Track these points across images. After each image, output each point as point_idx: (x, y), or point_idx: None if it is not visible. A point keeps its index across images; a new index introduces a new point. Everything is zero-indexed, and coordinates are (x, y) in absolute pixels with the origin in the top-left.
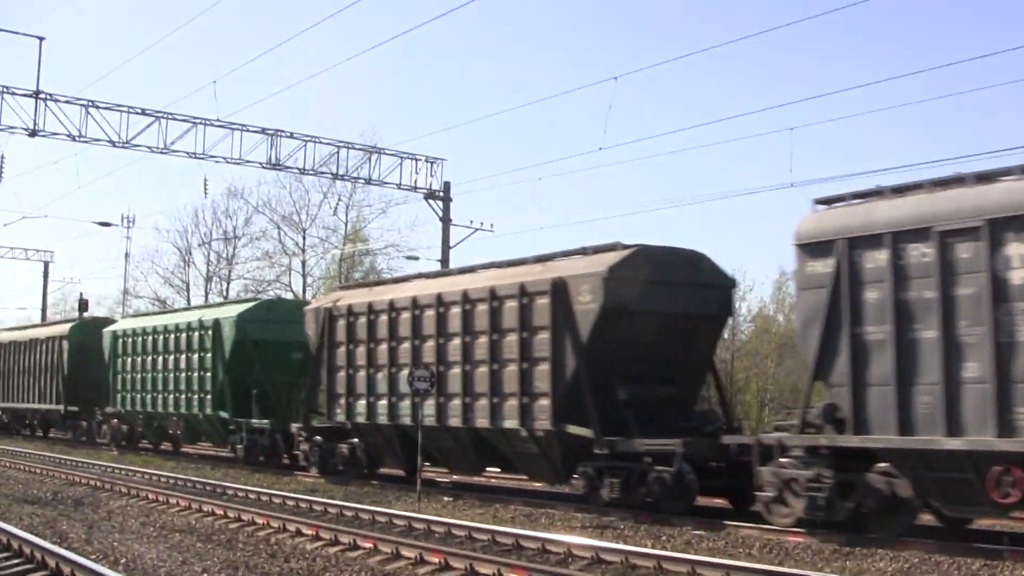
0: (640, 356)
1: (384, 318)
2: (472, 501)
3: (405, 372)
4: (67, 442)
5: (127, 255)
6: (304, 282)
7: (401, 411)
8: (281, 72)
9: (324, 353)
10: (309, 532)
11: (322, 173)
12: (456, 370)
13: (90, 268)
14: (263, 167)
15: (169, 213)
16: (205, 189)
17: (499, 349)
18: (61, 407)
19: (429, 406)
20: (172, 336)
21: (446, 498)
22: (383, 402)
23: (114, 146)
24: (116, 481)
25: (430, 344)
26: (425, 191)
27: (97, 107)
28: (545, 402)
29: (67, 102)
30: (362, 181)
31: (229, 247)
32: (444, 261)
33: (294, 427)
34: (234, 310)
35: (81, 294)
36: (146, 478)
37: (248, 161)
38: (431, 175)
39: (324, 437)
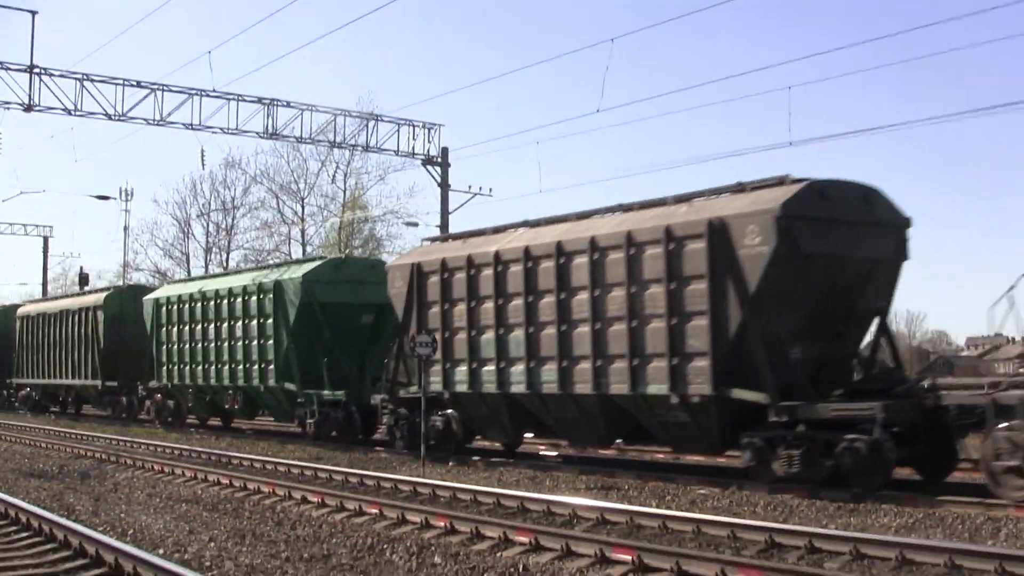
0: (812, 307)
1: (488, 272)
2: (476, 466)
3: (518, 333)
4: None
5: (126, 228)
6: (304, 251)
7: (512, 377)
8: (277, 41)
9: (413, 315)
10: (315, 499)
11: (319, 141)
12: (583, 329)
13: (89, 242)
14: (260, 137)
15: (167, 185)
16: (203, 160)
17: (639, 303)
18: (98, 382)
19: (549, 371)
20: (225, 302)
21: (450, 463)
22: (489, 368)
23: (110, 119)
24: (121, 453)
25: (548, 300)
26: (423, 157)
27: (92, 80)
28: (702, 363)
29: (62, 76)
30: (360, 148)
31: (228, 218)
32: (443, 227)
33: (377, 398)
34: (298, 271)
35: (81, 268)
36: (151, 449)
37: (245, 131)
38: (429, 141)
39: (409, 409)
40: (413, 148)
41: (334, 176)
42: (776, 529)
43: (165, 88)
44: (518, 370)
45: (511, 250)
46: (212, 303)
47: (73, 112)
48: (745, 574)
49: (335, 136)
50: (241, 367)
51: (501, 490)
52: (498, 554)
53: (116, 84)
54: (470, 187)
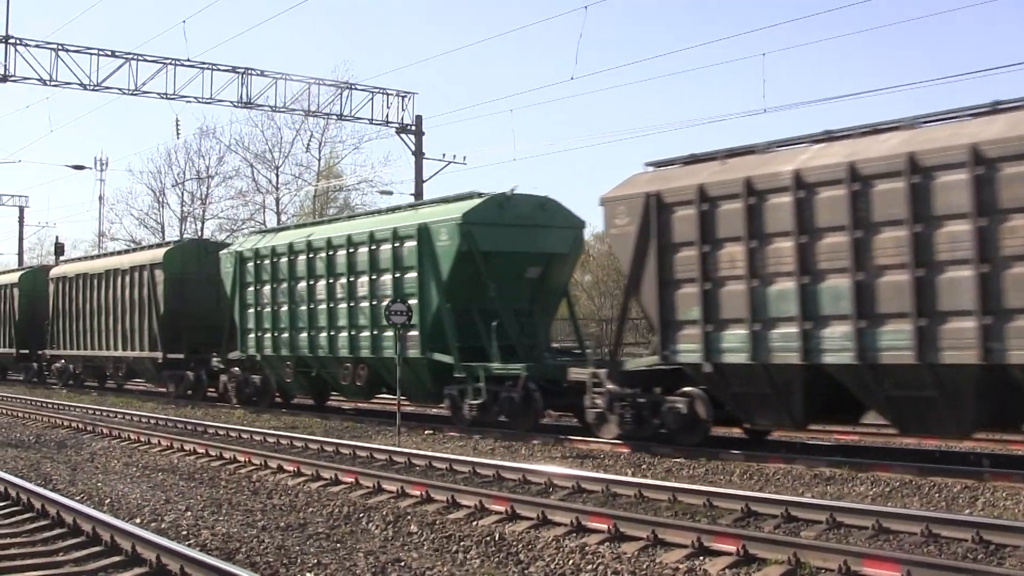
0: None
1: (782, 201)
2: (451, 434)
3: (831, 283)
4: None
5: (101, 198)
6: (278, 220)
7: (824, 343)
8: (251, 10)
9: (648, 263)
10: (291, 468)
11: (294, 110)
12: (961, 272)
13: (65, 212)
14: (235, 106)
15: (142, 154)
16: (177, 129)
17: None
18: (157, 355)
19: (896, 334)
20: (343, 253)
21: (426, 431)
22: (785, 330)
23: (85, 89)
24: (98, 423)
25: (890, 235)
26: (397, 125)
27: (67, 50)
28: None
29: (37, 46)
30: (334, 117)
31: (203, 187)
32: (417, 195)
33: (590, 372)
34: (453, 211)
35: (57, 237)
36: (127, 419)
37: (219, 100)
38: (403, 109)
39: (637, 386)
40: (387, 116)
41: (308, 145)
42: (752, 497)
43: (140, 58)
44: (836, 333)
45: (819, 170)
46: (323, 255)
47: (48, 82)
48: (721, 542)
49: (309, 105)
50: (367, 334)
51: (477, 459)
52: (474, 523)
53: (91, 54)
54: (444, 155)
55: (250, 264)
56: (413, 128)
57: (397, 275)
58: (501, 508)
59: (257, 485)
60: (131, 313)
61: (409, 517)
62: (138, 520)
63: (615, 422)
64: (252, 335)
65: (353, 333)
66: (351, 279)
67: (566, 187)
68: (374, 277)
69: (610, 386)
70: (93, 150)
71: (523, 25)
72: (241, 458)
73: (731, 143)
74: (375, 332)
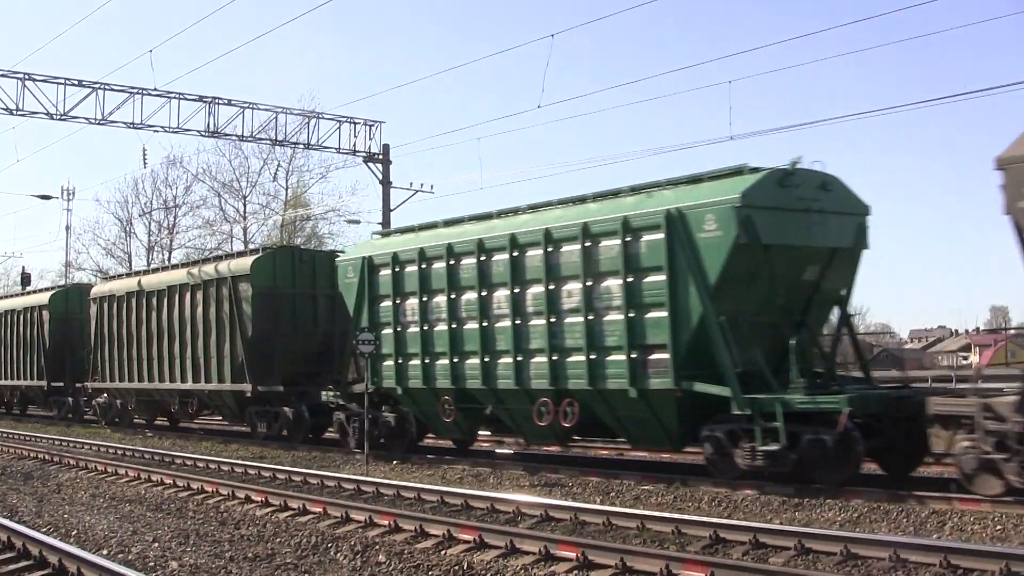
0: None
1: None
2: (420, 463)
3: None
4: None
5: (68, 228)
6: (246, 249)
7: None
8: (218, 40)
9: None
10: (259, 498)
11: (261, 139)
12: None
13: (32, 242)
14: (202, 135)
15: (109, 184)
16: (144, 159)
17: None
18: (244, 387)
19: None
20: (537, 253)
21: (394, 460)
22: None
23: (52, 118)
24: (65, 454)
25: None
26: (364, 154)
27: (34, 79)
28: None
29: (3, 75)
30: (301, 146)
31: (170, 216)
32: (385, 224)
33: (979, 402)
34: (724, 191)
35: (23, 268)
36: (94, 449)
37: (187, 129)
38: (370, 138)
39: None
40: (354, 145)
41: (276, 174)
42: (721, 524)
43: (106, 87)
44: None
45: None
46: (503, 257)
47: (14, 111)
48: (690, 570)
49: (276, 134)
50: (579, 359)
51: (445, 488)
52: (442, 552)
53: (58, 83)
54: (411, 184)
55: (385, 272)
56: (380, 157)
57: (630, 279)
58: (469, 537)
59: (225, 515)
60: (205, 337)
61: (377, 547)
62: (105, 551)
63: (1013, 471)
64: (389, 362)
65: (555, 358)
66: (550, 287)
67: None
68: (589, 283)
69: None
70: (60, 180)
71: (490, 54)
72: (209, 488)
73: (699, 169)
74: (593, 356)
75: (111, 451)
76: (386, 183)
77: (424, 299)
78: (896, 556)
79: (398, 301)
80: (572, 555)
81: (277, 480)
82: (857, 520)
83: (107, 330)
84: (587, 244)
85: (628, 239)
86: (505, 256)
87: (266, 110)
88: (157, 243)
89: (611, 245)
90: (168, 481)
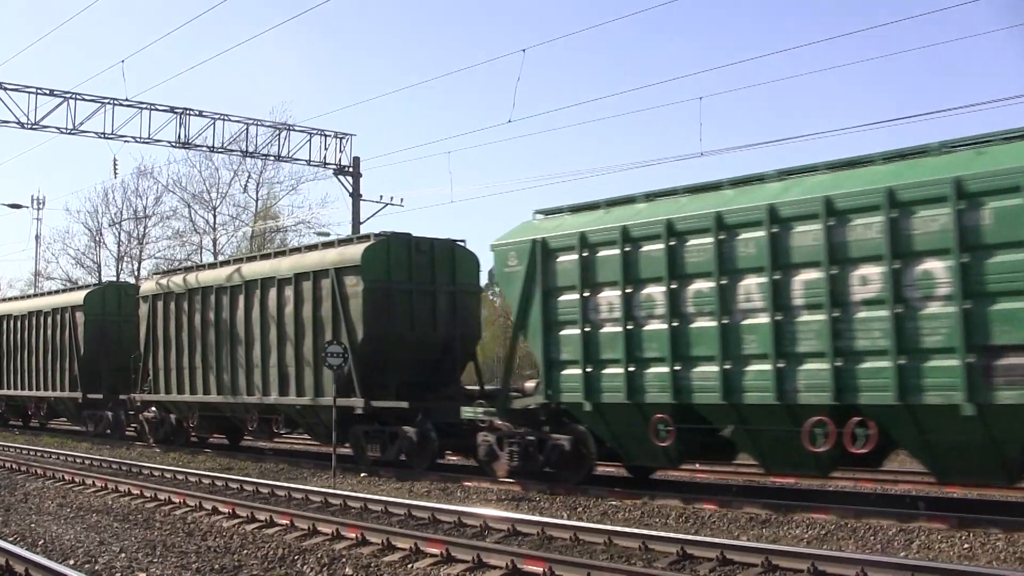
0: None
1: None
2: (387, 475)
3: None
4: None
5: (38, 237)
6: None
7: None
8: (190, 51)
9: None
10: (226, 510)
11: (231, 151)
12: None
13: (1, 251)
14: (173, 146)
15: (79, 194)
16: (115, 169)
17: None
18: (357, 402)
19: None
20: (804, 230)
21: (362, 474)
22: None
23: (23, 127)
24: (32, 463)
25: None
26: (335, 167)
27: (5, 89)
28: None
29: None
30: (272, 158)
31: (140, 227)
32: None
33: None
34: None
35: None
36: (62, 459)
37: (157, 140)
38: (340, 151)
39: None
40: (325, 158)
41: (246, 186)
42: (688, 540)
43: (78, 97)
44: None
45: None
46: (756, 234)
47: None
48: None
49: (247, 146)
50: (884, 365)
51: (412, 501)
52: (409, 565)
53: (29, 92)
54: (381, 197)
55: (567, 258)
56: (351, 170)
57: (965, 259)
58: (436, 551)
59: (192, 527)
60: (297, 341)
61: (344, 559)
62: (72, 562)
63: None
64: (574, 370)
65: (839, 364)
66: (832, 271)
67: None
68: (897, 266)
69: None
70: (30, 189)
71: (461, 68)
72: (176, 499)
73: (670, 185)
74: (903, 362)
75: (79, 461)
76: (356, 196)
77: (627, 290)
78: (863, 573)
79: (588, 295)
80: (539, 570)
81: (245, 492)
82: (824, 537)
83: (162, 333)
84: (894, 215)
85: (963, 207)
86: (759, 234)
87: (237, 122)
88: (127, 253)
89: (939, 216)
90: (135, 491)
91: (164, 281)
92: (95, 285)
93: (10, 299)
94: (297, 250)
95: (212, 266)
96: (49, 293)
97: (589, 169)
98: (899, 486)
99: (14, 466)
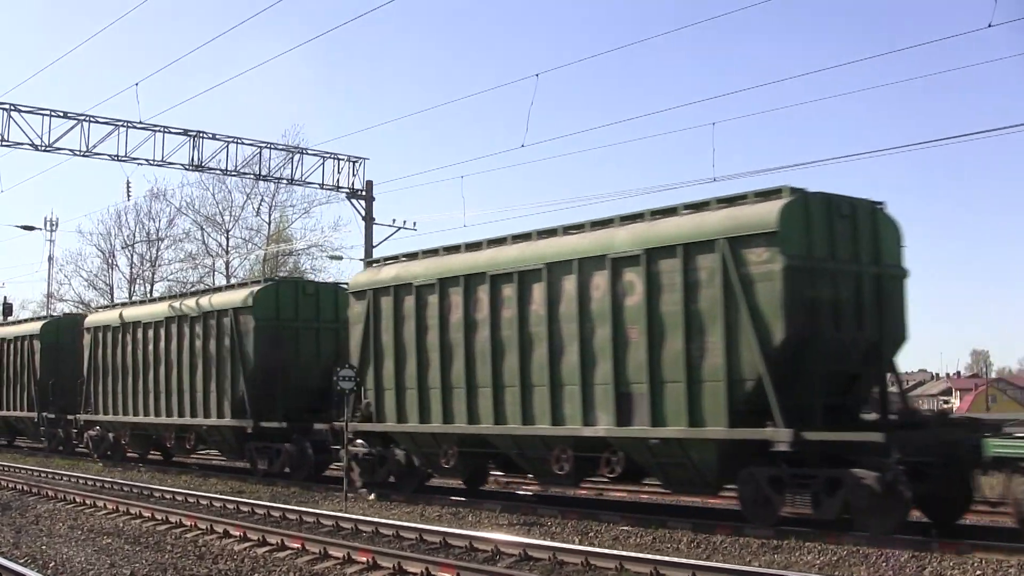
0: None
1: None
2: (398, 500)
3: None
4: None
5: (50, 258)
6: (228, 283)
7: None
8: (203, 74)
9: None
10: (237, 533)
11: (245, 174)
12: None
13: (14, 272)
14: (186, 168)
15: (92, 216)
16: (128, 191)
17: None
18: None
19: None
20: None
21: (372, 497)
22: None
23: (37, 149)
24: (43, 485)
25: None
26: (347, 190)
27: (19, 111)
28: None
29: None
30: (285, 181)
31: (152, 249)
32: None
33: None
34: None
35: (5, 298)
36: (73, 481)
37: (171, 163)
38: (353, 174)
39: None
40: (338, 181)
41: (259, 209)
42: (700, 567)
43: (92, 119)
44: None
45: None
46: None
47: (0, 142)
48: None
49: (260, 169)
50: None
51: (424, 525)
52: None
53: (43, 114)
54: (394, 221)
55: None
56: (364, 193)
57: None
58: (448, 575)
59: (203, 550)
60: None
61: None
62: None
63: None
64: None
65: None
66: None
67: None
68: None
69: None
70: (43, 210)
71: (475, 92)
72: (187, 522)
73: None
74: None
75: (90, 483)
76: (369, 219)
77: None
78: None
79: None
80: None
81: (256, 515)
82: (836, 564)
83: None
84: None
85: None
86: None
87: (250, 144)
88: (139, 275)
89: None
90: (147, 514)
91: (103, 315)
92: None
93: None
94: (205, 291)
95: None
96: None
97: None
98: (912, 514)
99: (25, 488)
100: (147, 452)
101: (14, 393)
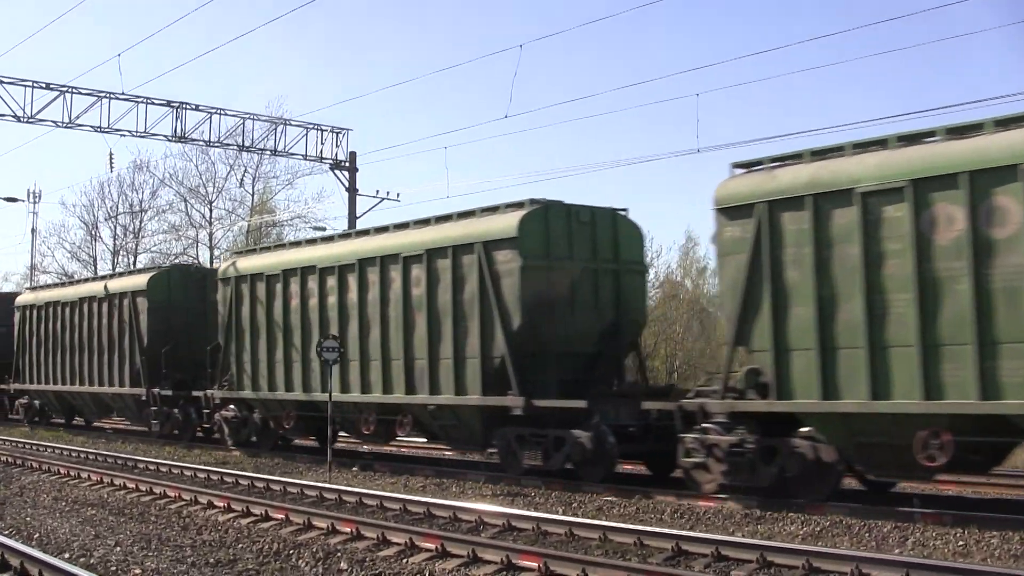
0: None
1: None
2: (383, 470)
3: None
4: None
5: (34, 230)
6: (211, 254)
7: None
8: (186, 45)
9: None
10: (221, 504)
11: (228, 145)
12: None
13: None
14: (169, 140)
15: (75, 187)
16: (111, 163)
17: None
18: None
19: None
20: None
21: (355, 468)
22: None
23: (19, 121)
24: (28, 456)
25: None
26: (331, 161)
27: (1, 82)
28: None
29: None
30: (268, 152)
31: (136, 220)
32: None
33: None
34: None
35: None
36: (57, 453)
37: (154, 134)
38: (336, 145)
39: None
40: (321, 152)
41: (242, 180)
42: (683, 536)
43: (74, 90)
44: None
45: None
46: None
47: None
48: None
49: (243, 140)
50: None
51: (407, 496)
52: (404, 560)
53: (25, 86)
54: (377, 191)
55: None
56: (347, 164)
57: None
58: (431, 546)
59: (187, 521)
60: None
61: (339, 554)
62: (67, 555)
63: None
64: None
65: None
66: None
67: None
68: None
69: None
70: (26, 182)
71: (458, 63)
72: (171, 493)
73: (665, 183)
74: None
75: (74, 455)
76: (352, 191)
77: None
78: (858, 571)
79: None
80: (534, 565)
81: (240, 486)
82: (819, 534)
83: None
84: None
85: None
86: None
87: (233, 116)
88: (123, 247)
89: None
90: (131, 485)
91: (32, 295)
92: (158, 269)
93: (48, 286)
94: (113, 276)
95: (64, 284)
96: (99, 278)
97: (585, 165)
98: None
99: (9, 460)
100: (71, 419)
101: (110, 365)
